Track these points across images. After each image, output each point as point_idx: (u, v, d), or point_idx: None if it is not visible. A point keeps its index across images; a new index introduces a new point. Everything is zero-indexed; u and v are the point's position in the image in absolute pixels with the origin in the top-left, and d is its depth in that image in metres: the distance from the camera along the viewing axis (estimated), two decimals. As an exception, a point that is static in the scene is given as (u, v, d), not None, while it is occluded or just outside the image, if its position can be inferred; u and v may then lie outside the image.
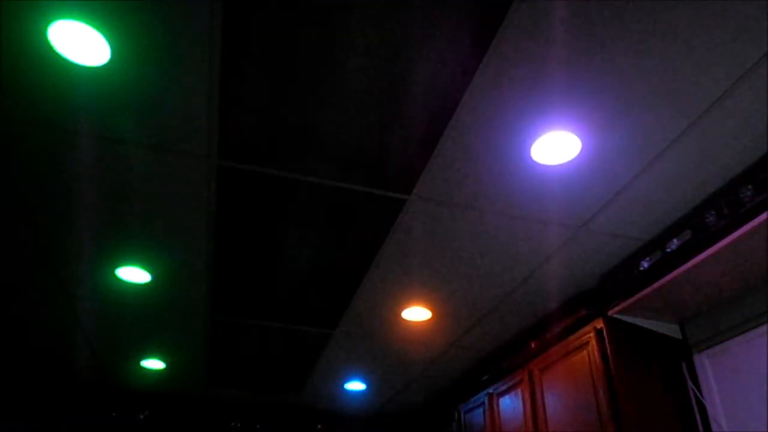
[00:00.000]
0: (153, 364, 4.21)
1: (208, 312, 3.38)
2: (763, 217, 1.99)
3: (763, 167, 2.04)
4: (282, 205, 2.42)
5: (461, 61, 1.74)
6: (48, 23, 1.64)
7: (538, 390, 3.11)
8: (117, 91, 1.87)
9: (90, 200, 2.40)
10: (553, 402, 2.97)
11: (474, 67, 1.75)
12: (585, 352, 2.77)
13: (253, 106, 1.92)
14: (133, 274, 2.96)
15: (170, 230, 2.59)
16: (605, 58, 1.69)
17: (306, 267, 2.88)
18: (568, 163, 2.10)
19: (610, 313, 2.73)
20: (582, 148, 2.03)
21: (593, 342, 2.71)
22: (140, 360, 4.15)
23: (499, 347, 3.70)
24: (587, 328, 2.79)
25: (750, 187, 2.06)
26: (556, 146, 2.02)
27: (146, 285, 3.07)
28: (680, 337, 2.76)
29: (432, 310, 3.24)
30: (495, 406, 3.55)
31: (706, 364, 2.61)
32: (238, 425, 5.01)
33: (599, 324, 2.72)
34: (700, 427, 2.53)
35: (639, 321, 2.75)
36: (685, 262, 2.31)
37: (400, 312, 3.28)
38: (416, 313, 3.28)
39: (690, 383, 2.62)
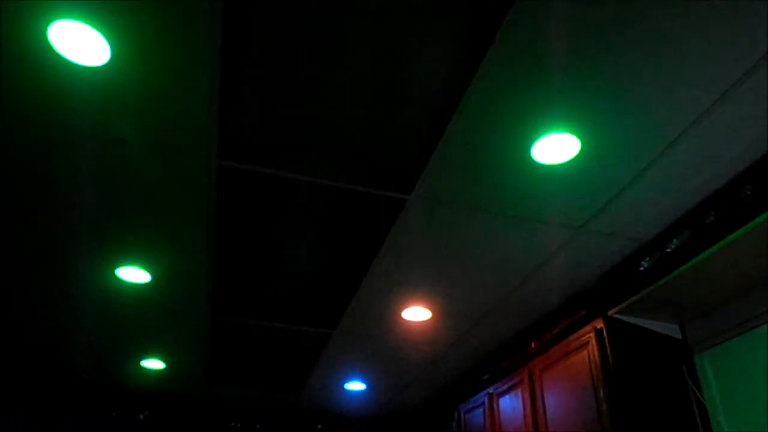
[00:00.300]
0: (153, 364, 4.21)
1: (208, 312, 3.38)
2: (763, 217, 1.98)
3: (763, 167, 2.04)
4: (282, 205, 2.42)
5: (461, 61, 1.74)
6: (48, 23, 1.64)
7: (538, 390, 3.11)
8: (117, 91, 1.87)
9: (90, 200, 2.40)
10: (553, 402, 2.97)
11: (474, 67, 1.75)
12: (585, 352, 2.77)
13: (253, 106, 1.92)
14: (133, 274, 2.96)
15: (170, 230, 2.59)
16: (605, 58, 1.69)
17: (306, 267, 2.88)
18: (568, 163, 2.10)
19: (610, 313, 2.73)
20: (581, 148, 2.03)
21: (593, 342, 2.71)
22: (140, 360, 4.15)
23: (499, 347, 3.70)
24: (587, 328, 2.79)
25: (750, 187, 2.06)
26: (555, 146, 2.02)
27: (146, 285, 3.07)
28: (680, 337, 2.76)
29: (432, 310, 3.24)
30: (495, 406, 3.55)
31: (706, 364, 2.61)
32: (238, 425, 5.01)
33: (599, 324, 2.72)
34: (700, 427, 2.53)
35: (639, 321, 2.75)
36: (685, 262, 2.31)
37: (400, 312, 3.28)
38: (416, 313, 3.28)
39: (690, 383, 2.62)
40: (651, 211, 2.35)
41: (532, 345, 3.27)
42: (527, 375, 3.23)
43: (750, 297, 2.44)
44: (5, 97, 1.91)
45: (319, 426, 5.19)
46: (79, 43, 1.70)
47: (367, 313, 3.31)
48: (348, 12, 1.60)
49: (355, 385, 4.50)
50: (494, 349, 3.73)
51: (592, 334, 2.73)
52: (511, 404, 3.37)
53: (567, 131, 1.96)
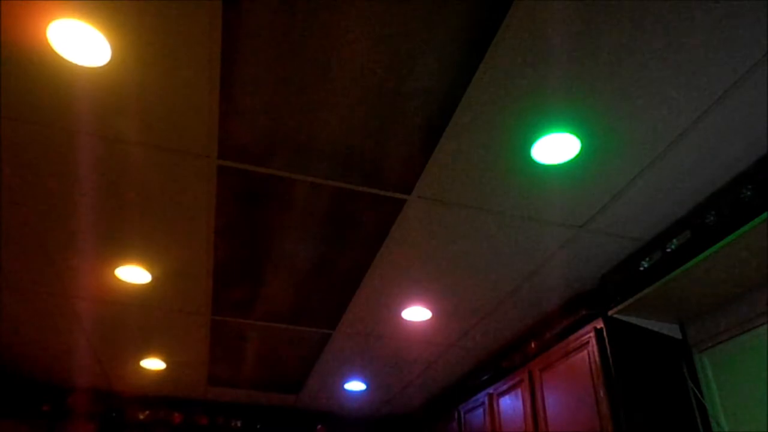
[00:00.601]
0: (153, 364, 4.21)
1: (208, 312, 3.39)
2: (763, 217, 1.98)
3: (763, 167, 2.04)
4: (282, 205, 2.42)
5: (461, 61, 1.74)
6: (48, 23, 1.64)
7: (538, 390, 3.11)
8: (117, 91, 1.87)
9: (90, 200, 2.40)
10: (553, 402, 2.97)
11: (474, 67, 1.75)
12: (585, 352, 2.77)
13: (253, 105, 1.92)
14: (133, 274, 2.96)
15: (170, 230, 2.59)
16: (605, 58, 1.69)
17: (306, 267, 2.88)
18: (568, 163, 2.10)
19: (610, 313, 2.73)
20: (581, 148, 2.03)
21: (593, 342, 2.71)
22: (140, 360, 4.15)
23: (499, 347, 3.70)
24: (587, 328, 2.79)
25: (750, 187, 2.06)
26: (555, 146, 2.02)
27: (146, 285, 3.07)
28: (680, 337, 2.76)
29: (432, 310, 3.24)
30: (495, 406, 3.55)
31: (706, 364, 2.61)
32: (238, 425, 5.01)
33: (599, 324, 2.72)
34: (700, 427, 2.53)
35: (639, 321, 2.75)
36: (685, 262, 2.31)
37: (400, 312, 3.28)
38: (416, 313, 3.28)
39: (690, 383, 2.62)
40: (651, 211, 2.35)
41: (532, 345, 3.27)
42: (527, 375, 3.23)
43: (750, 297, 2.44)
44: (5, 97, 1.91)
45: (319, 426, 5.19)
46: (80, 44, 1.70)
47: (367, 313, 3.31)
48: (348, 12, 1.60)
49: (355, 385, 4.50)
50: (494, 349, 3.73)
51: (592, 334, 2.73)
52: (511, 404, 3.37)
53: (567, 131, 1.96)
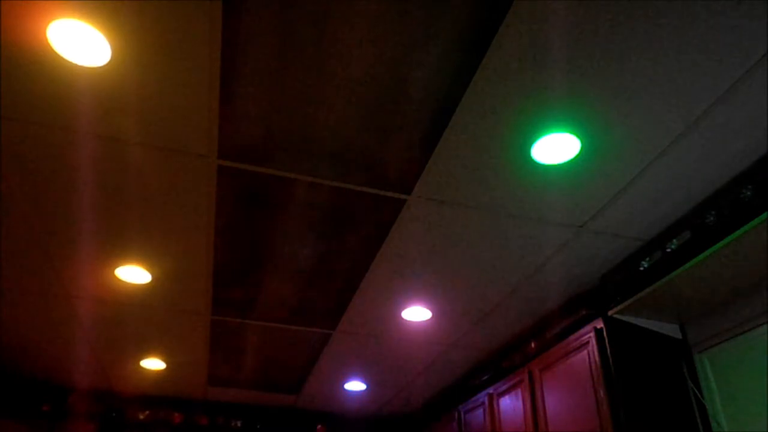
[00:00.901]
0: (153, 364, 4.21)
1: (208, 312, 3.39)
2: (763, 217, 1.98)
3: (763, 167, 2.04)
4: (282, 205, 2.42)
5: (461, 61, 1.74)
6: (48, 23, 1.64)
7: (538, 390, 3.11)
8: (117, 91, 1.87)
9: (90, 200, 2.40)
10: (553, 402, 2.97)
11: (474, 67, 1.75)
12: (585, 352, 2.77)
13: (253, 105, 1.92)
14: (133, 274, 2.96)
15: (170, 230, 2.59)
16: (605, 58, 1.69)
17: (306, 267, 2.88)
18: (568, 163, 2.10)
19: (610, 313, 2.73)
20: (581, 148, 2.03)
21: (593, 342, 2.71)
22: (140, 360, 4.15)
23: (499, 347, 3.70)
24: (587, 328, 2.79)
25: (750, 187, 2.06)
26: (555, 146, 2.02)
27: (146, 285, 3.07)
28: (680, 337, 2.76)
29: (432, 310, 3.24)
30: (495, 406, 3.55)
31: (706, 364, 2.61)
32: (238, 425, 5.01)
33: (599, 324, 2.72)
34: (700, 427, 2.53)
35: (639, 321, 2.75)
36: (685, 262, 2.31)
37: (400, 312, 3.28)
38: (416, 313, 3.28)
39: (690, 383, 2.62)
40: (651, 211, 2.35)
41: (532, 345, 3.27)
42: (527, 375, 3.23)
43: (750, 297, 2.44)
44: (5, 97, 1.91)
45: (319, 426, 5.19)
46: (80, 44, 1.70)
47: (368, 313, 3.31)
48: (348, 12, 1.60)
49: (355, 385, 4.50)
50: (494, 349, 3.73)
51: (592, 334, 2.73)
52: (511, 404, 3.37)
53: (567, 131, 1.96)
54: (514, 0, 1.55)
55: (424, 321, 3.37)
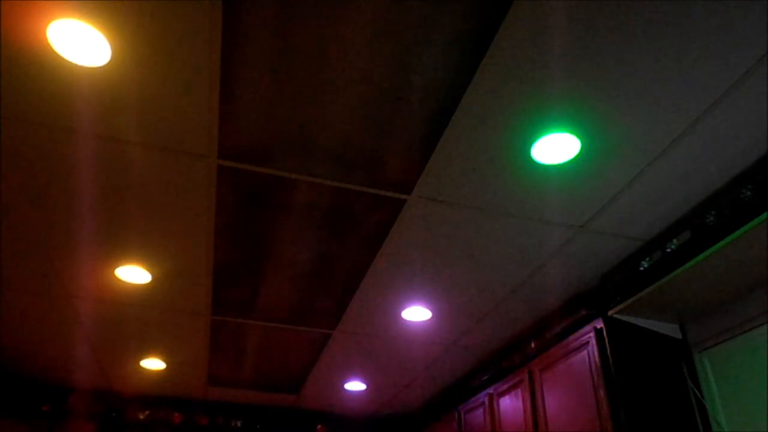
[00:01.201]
0: (153, 364, 4.21)
1: (208, 312, 3.39)
2: (763, 217, 1.98)
3: (763, 167, 2.04)
4: (282, 205, 2.42)
5: (461, 61, 1.74)
6: (48, 23, 1.64)
7: (538, 390, 3.11)
8: (117, 91, 1.87)
9: (90, 200, 2.40)
10: (553, 402, 2.97)
11: (474, 67, 1.75)
12: (585, 352, 2.77)
13: (253, 105, 1.92)
14: (133, 274, 2.96)
15: (170, 230, 2.59)
16: (605, 58, 1.69)
17: (306, 267, 2.88)
18: (568, 163, 2.10)
19: (610, 313, 2.73)
20: (581, 148, 2.03)
21: (593, 342, 2.71)
22: (140, 360, 4.15)
23: (499, 347, 3.70)
24: (587, 328, 2.79)
25: (750, 187, 2.06)
26: (555, 146, 2.02)
27: (146, 285, 3.07)
28: (680, 337, 2.76)
29: (432, 310, 3.24)
30: (495, 406, 3.55)
31: (706, 364, 2.61)
32: (238, 425, 5.01)
33: (599, 324, 2.72)
34: (700, 427, 2.53)
35: (639, 321, 2.75)
36: (685, 262, 2.31)
37: (400, 312, 3.28)
38: (416, 313, 3.28)
39: (690, 383, 2.62)
40: (651, 211, 2.35)
41: (532, 345, 3.27)
42: (527, 375, 3.23)
43: (750, 297, 2.44)
44: (5, 97, 1.91)
45: (319, 426, 5.19)
46: (80, 44, 1.70)
47: (367, 313, 3.31)
48: (348, 12, 1.60)
49: (355, 385, 4.50)
50: (494, 349, 3.73)
51: (592, 334, 2.73)
52: (511, 404, 3.37)
53: (567, 131, 1.96)
54: (514, 0, 1.55)
55: (424, 321, 3.37)
